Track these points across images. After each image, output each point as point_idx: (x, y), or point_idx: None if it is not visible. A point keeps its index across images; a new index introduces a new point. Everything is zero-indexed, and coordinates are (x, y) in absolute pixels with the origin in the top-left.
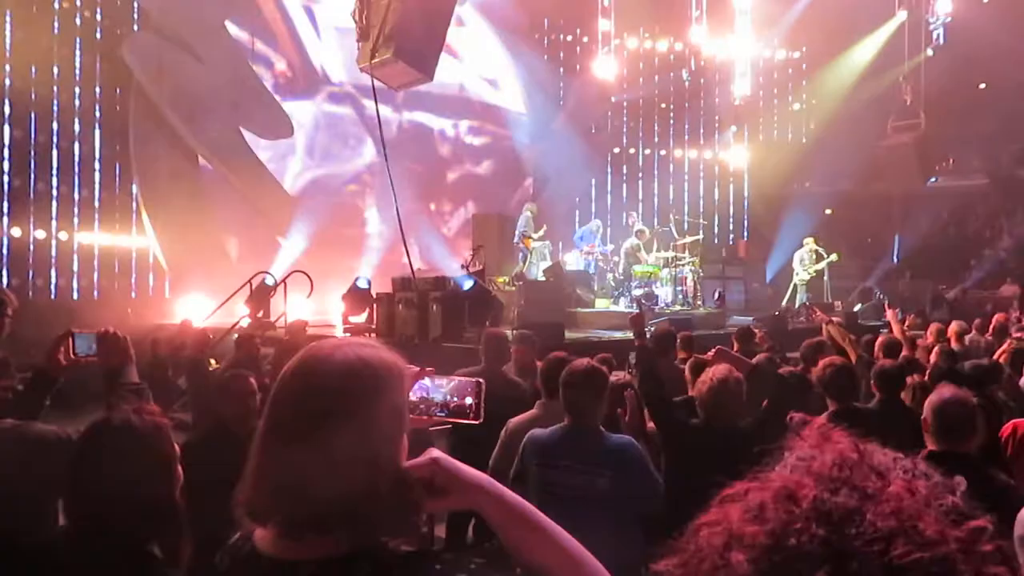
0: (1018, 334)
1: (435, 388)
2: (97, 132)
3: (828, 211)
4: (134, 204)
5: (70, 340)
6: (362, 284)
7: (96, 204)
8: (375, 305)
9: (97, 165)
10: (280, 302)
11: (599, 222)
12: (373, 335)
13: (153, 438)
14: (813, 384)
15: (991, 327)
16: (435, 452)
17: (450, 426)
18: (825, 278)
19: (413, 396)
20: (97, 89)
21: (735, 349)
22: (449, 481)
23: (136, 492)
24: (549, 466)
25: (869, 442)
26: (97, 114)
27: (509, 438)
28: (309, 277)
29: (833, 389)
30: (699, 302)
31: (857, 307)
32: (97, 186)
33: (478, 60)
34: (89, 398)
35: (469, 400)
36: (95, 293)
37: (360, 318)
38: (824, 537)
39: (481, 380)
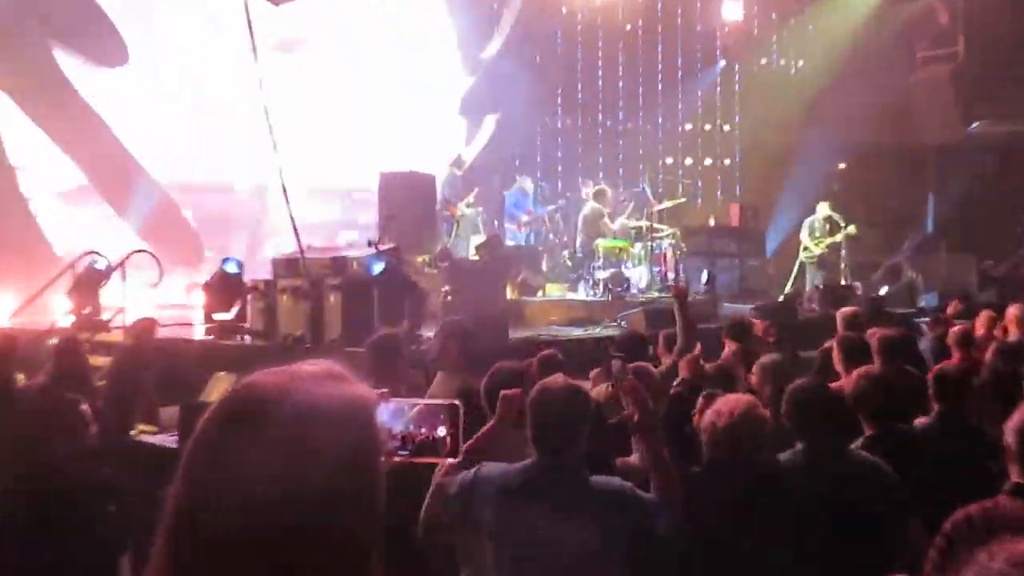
0: None
1: (395, 415)
2: None
3: (842, 166)
4: None
5: None
6: (231, 268)
7: None
8: (248, 296)
9: None
10: (117, 293)
11: (529, 180)
12: (247, 338)
13: None
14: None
15: None
16: None
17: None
18: (842, 253)
19: None
20: None
21: (729, 349)
22: None
23: None
24: (513, 514)
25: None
26: None
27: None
28: (157, 259)
29: (869, 406)
30: (682, 286)
31: (883, 290)
32: None
33: None
34: None
35: (442, 431)
36: None
37: (228, 314)
38: None
39: (458, 404)
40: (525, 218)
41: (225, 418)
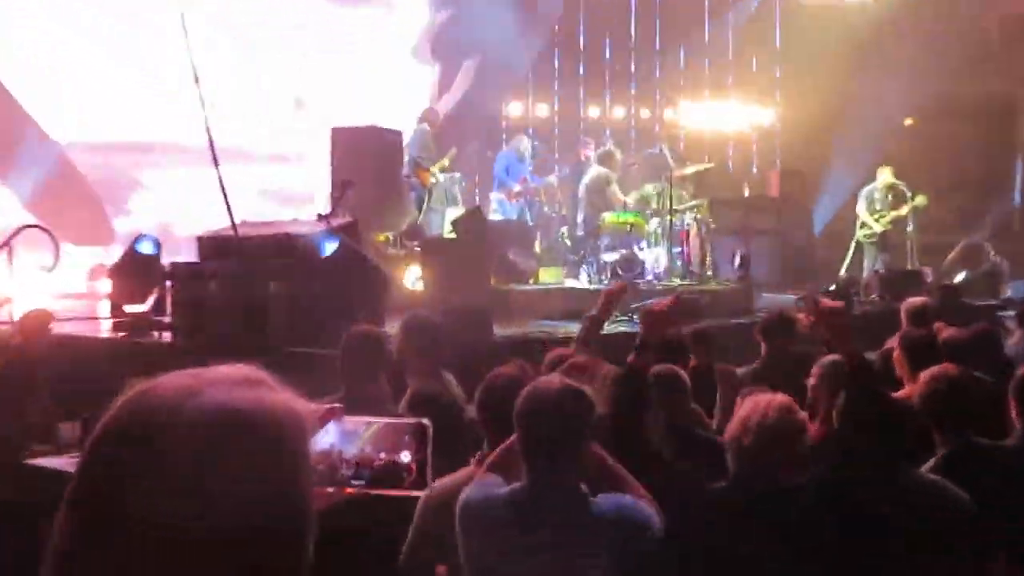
0: None
1: (347, 437)
2: None
3: (908, 121)
4: None
5: None
6: (145, 248)
7: None
8: (168, 284)
9: None
10: (2, 280)
11: (527, 140)
12: (166, 335)
13: None
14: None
15: None
16: None
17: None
18: (908, 230)
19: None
20: None
21: (765, 351)
22: None
23: None
24: (503, 549)
25: None
26: None
27: (431, 516)
28: (52, 236)
29: (946, 417)
30: (709, 271)
31: (959, 276)
32: None
33: None
34: None
35: (406, 456)
36: None
37: (142, 306)
38: None
39: (426, 422)
40: (517, 187)
41: (110, 440)
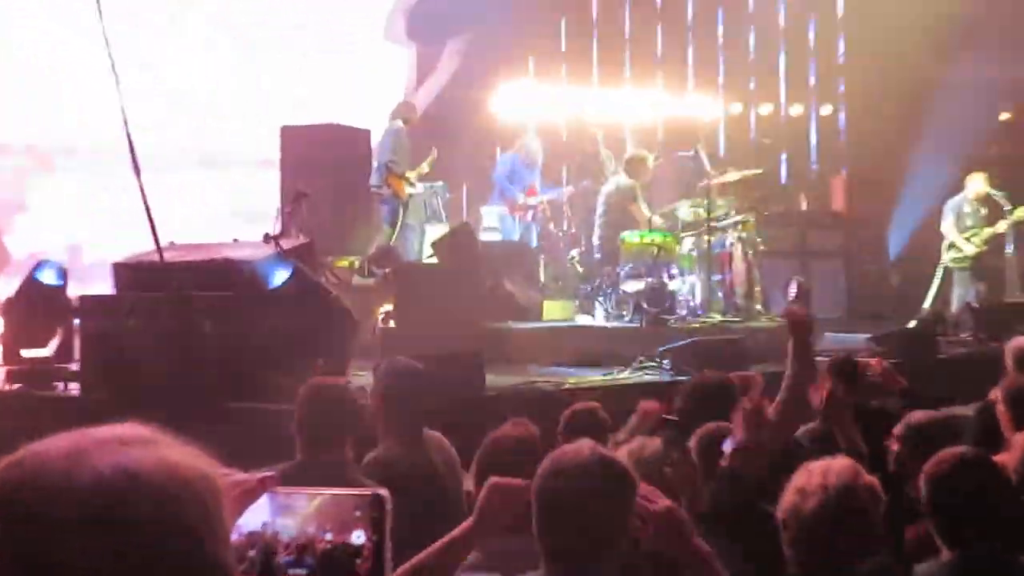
0: None
1: (286, 513)
2: None
3: (1005, 116)
4: None
5: None
6: (47, 278)
7: None
8: (75, 322)
9: None
10: None
11: (537, 139)
12: (76, 386)
13: None
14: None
15: None
16: None
17: None
18: (1007, 251)
19: (239, 534)
20: None
21: (824, 398)
22: None
23: None
24: None
25: None
26: None
27: None
28: None
29: None
30: (757, 304)
31: None
32: None
33: None
34: None
35: (358, 537)
36: None
37: (44, 350)
38: None
39: (383, 493)
40: (523, 199)
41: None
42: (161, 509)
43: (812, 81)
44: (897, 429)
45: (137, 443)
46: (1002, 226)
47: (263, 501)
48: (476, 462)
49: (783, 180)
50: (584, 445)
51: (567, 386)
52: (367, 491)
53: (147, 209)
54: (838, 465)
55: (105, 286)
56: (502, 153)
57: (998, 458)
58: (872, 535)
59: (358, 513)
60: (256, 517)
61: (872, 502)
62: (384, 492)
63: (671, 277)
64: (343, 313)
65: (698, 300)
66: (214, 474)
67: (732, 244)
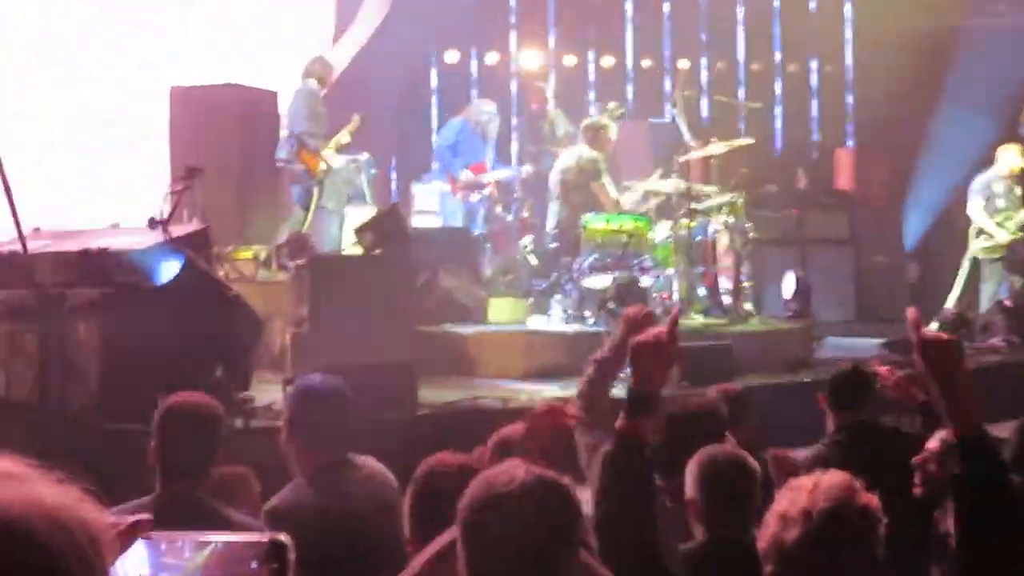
0: None
1: (166, 564)
2: None
3: None
4: None
5: None
6: None
7: None
8: None
9: None
10: None
11: (490, 104)
12: None
13: None
14: None
15: None
16: None
17: None
18: None
19: None
20: None
21: (832, 424)
22: None
23: None
24: None
25: None
26: None
27: None
28: None
29: None
30: (747, 303)
31: None
32: None
33: None
34: None
35: None
36: None
37: None
38: None
39: (284, 541)
40: (468, 175)
41: None
42: (35, 562)
43: (811, 29)
44: (933, 444)
45: (2, 480)
46: None
47: (139, 549)
48: (408, 500)
49: (778, 152)
50: (517, 467)
51: (518, 403)
52: (264, 537)
53: (6, 189)
54: (827, 482)
55: None
56: (446, 121)
57: None
58: (872, 556)
59: (254, 564)
60: (132, 569)
61: (869, 528)
62: (285, 538)
63: (643, 271)
64: (245, 314)
65: (676, 299)
66: (96, 519)
67: (717, 231)
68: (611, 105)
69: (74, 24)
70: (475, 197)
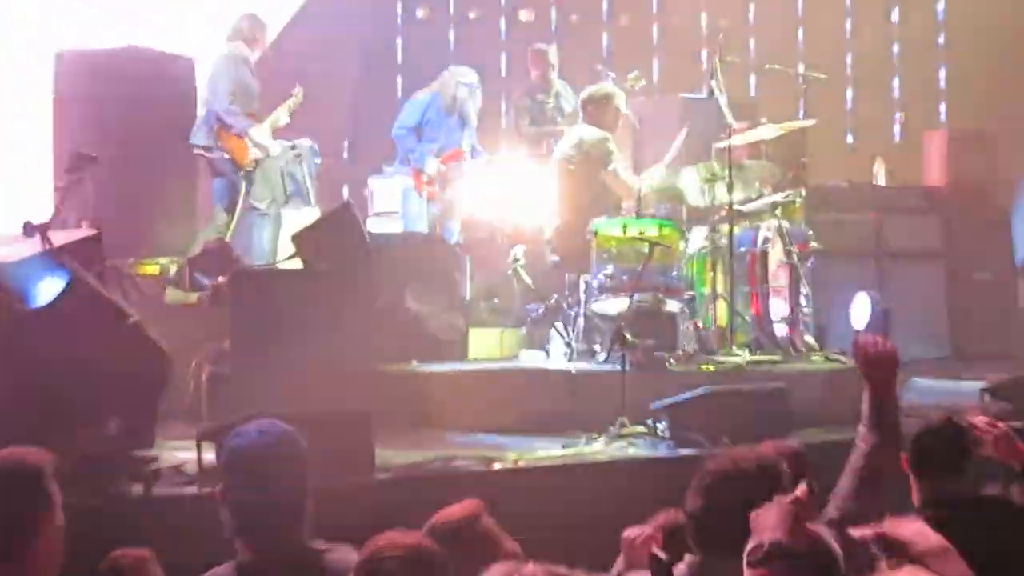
0: None
1: None
2: None
3: None
4: None
5: None
6: None
7: None
8: None
9: None
10: None
11: (469, 72)
12: None
13: None
14: None
15: None
16: None
17: None
18: None
19: None
20: None
21: (920, 495)
22: None
23: None
24: None
25: None
26: None
27: None
28: None
29: None
30: (804, 335)
31: None
32: None
33: None
34: None
35: None
36: None
37: None
38: None
39: None
40: (436, 165)
41: None
42: None
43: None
44: None
45: None
46: None
47: None
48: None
49: (848, 138)
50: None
51: (504, 465)
52: None
53: None
54: None
55: None
56: (414, 97)
57: None
58: None
59: None
60: None
61: None
62: None
63: (670, 292)
64: (148, 347)
65: (713, 328)
66: None
67: (768, 239)
68: (632, 74)
69: None
70: (448, 195)
